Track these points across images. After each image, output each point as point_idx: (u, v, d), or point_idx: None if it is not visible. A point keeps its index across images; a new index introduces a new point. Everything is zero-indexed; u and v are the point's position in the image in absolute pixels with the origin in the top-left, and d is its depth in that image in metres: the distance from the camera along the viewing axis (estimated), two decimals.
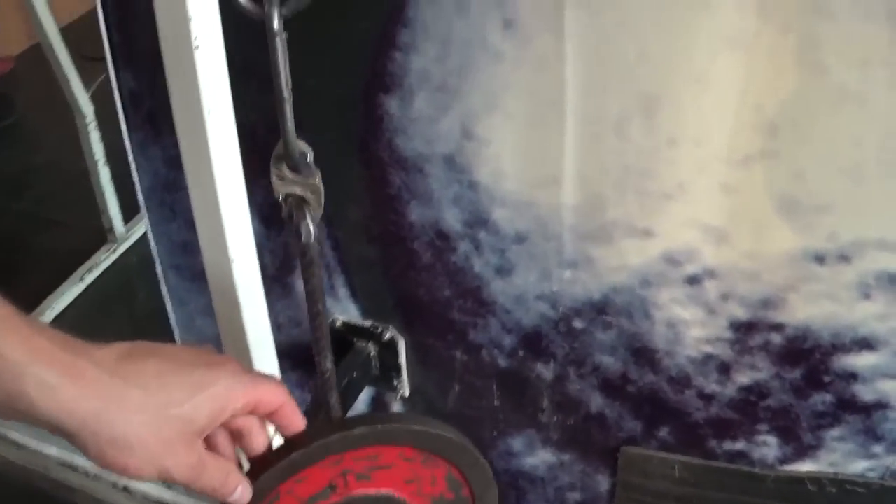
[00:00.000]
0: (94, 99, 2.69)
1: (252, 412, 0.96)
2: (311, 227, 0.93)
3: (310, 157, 0.91)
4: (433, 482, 1.07)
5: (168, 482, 1.02)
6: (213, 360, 0.94)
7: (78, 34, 2.83)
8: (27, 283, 2.78)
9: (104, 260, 2.78)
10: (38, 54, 2.77)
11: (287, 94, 0.88)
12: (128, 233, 2.86)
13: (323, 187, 0.92)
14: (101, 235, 2.85)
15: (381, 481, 1.05)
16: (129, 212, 2.88)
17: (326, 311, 1.02)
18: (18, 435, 2.28)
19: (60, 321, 2.57)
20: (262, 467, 1.00)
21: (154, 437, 0.86)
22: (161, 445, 0.86)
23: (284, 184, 0.93)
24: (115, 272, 2.79)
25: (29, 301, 2.61)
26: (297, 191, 0.92)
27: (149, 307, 2.57)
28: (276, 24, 0.85)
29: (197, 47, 1.00)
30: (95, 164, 2.69)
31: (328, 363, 1.03)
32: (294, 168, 0.92)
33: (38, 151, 3.64)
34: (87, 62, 2.75)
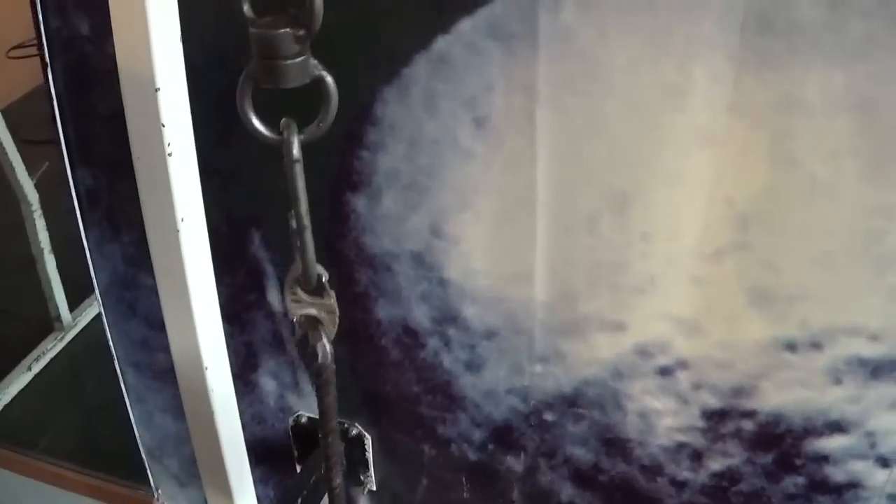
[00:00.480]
0: (38, 186, 2.65)
1: None
2: (328, 348, 0.92)
3: (325, 278, 0.90)
4: None
5: None
6: None
7: (15, 117, 2.80)
8: None
9: (51, 348, 2.72)
10: None
11: (306, 221, 0.86)
12: (74, 320, 2.80)
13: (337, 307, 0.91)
14: (47, 324, 2.80)
15: None
16: (75, 299, 2.84)
17: (339, 434, 1.01)
18: None
19: (9, 411, 2.51)
20: None
21: None
22: None
23: (300, 305, 0.91)
24: (63, 360, 2.74)
25: None
26: (313, 312, 0.91)
27: (99, 396, 2.53)
28: (294, 151, 0.83)
29: (170, 154, 0.99)
30: (41, 252, 2.64)
31: (338, 479, 1.02)
32: (311, 291, 0.90)
33: None
34: (27, 145, 2.71)
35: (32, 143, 2.80)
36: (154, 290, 1.37)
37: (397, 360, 1.38)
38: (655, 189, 1.10)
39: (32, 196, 2.56)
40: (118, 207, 1.41)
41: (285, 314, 1.38)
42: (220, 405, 1.17)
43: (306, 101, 0.84)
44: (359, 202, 1.24)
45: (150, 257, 1.24)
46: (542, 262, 1.20)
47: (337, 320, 0.93)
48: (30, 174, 2.61)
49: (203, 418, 1.18)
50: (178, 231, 1.01)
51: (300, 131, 0.84)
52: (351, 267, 1.30)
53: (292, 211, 0.87)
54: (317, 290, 0.91)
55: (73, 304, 2.83)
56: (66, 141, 1.40)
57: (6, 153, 2.51)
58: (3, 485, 2.14)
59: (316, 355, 0.93)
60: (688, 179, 1.08)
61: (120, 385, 1.69)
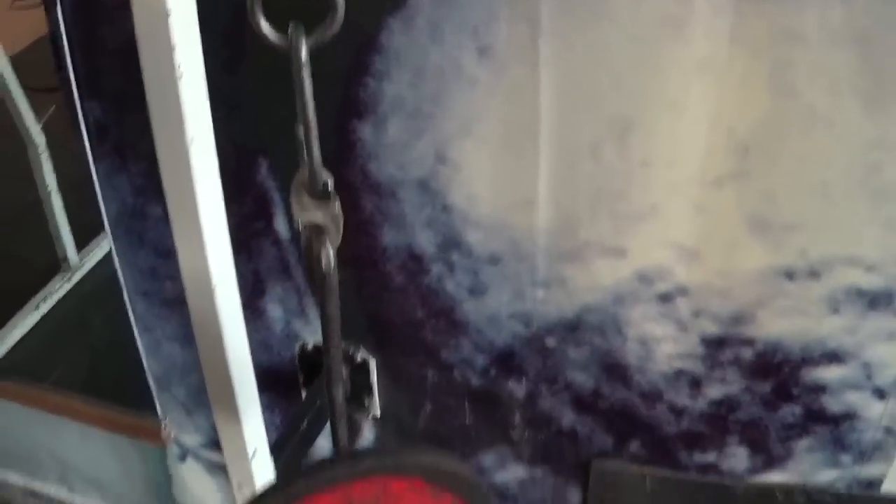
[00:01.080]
0: (45, 131, 2.67)
1: None
2: (332, 256, 0.94)
3: (331, 185, 0.93)
4: None
5: None
6: None
7: (20, 66, 2.81)
8: None
9: (59, 288, 2.76)
10: None
11: (313, 123, 0.89)
12: (81, 261, 2.84)
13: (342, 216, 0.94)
14: (54, 265, 2.83)
15: None
16: (82, 241, 2.87)
17: (341, 343, 1.03)
18: None
19: (17, 351, 2.55)
20: (271, 492, 1.01)
21: None
22: None
23: (305, 212, 0.94)
24: (71, 300, 2.77)
25: None
26: (318, 219, 0.94)
27: (106, 335, 2.56)
28: (303, 55, 0.85)
29: (180, 76, 1.01)
30: (48, 193, 2.66)
31: (339, 395, 1.04)
32: (316, 196, 0.93)
33: None
34: (32, 93, 2.73)
35: (37, 90, 2.80)
36: (162, 219, 1.40)
37: (402, 286, 1.40)
38: (657, 117, 1.13)
39: (39, 139, 2.59)
40: (126, 139, 1.44)
41: (292, 241, 1.41)
42: (229, 325, 1.19)
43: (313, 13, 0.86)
44: (365, 130, 1.26)
45: (158, 187, 1.26)
46: (544, 188, 1.22)
47: (341, 228, 0.95)
48: (36, 119, 2.64)
49: (212, 339, 1.20)
50: (187, 151, 1.03)
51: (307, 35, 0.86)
52: (357, 194, 1.32)
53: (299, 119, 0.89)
54: (322, 196, 0.93)
55: (81, 246, 2.86)
56: (75, 76, 1.42)
57: (13, 97, 2.53)
58: (14, 417, 2.17)
59: (320, 262, 0.95)
60: (688, 108, 1.11)
61: (127, 321, 1.73)
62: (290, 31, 0.86)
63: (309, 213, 0.93)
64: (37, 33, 4.19)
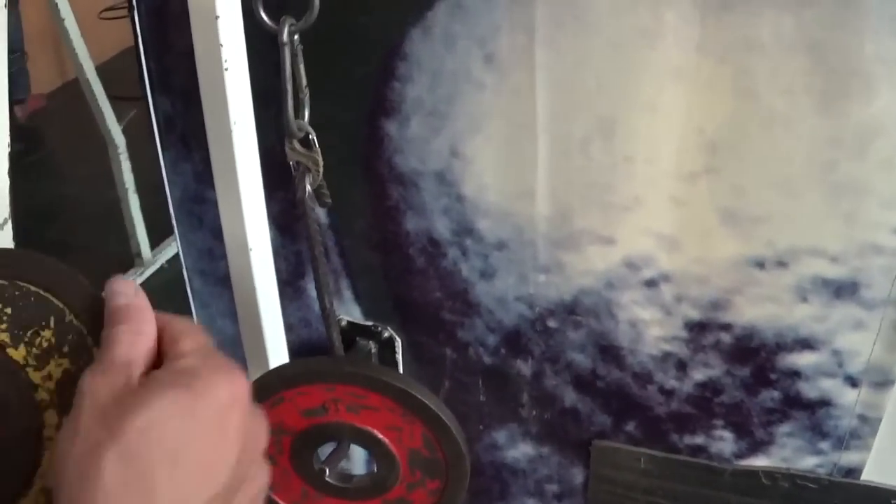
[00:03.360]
0: (126, 134, 2.82)
1: None
2: (308, 188, 1.22)
3: (312, 136, 1.18)
4: (412, 436, 1.22)
5: None
6: None
7: (106, 75, 2.95)
8: None
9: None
10: (67, 93, 2.90)
11: (290, 88, 1.17)
12: (154, 258, 2.97)
13: (322, 160, 1.21)
14: (128, 261, 2.95)
15: (367, 419, 1.20)
16: (155, 241, 2.99)
17: (325, 258, 1.20)
18: None
19: None
20: (270, 374, 1.19)
21: None
22: None
23: (294, 154, 1.20)
24: None
25: None
26: (303, 160, 1.18)
27: None
28: (284, 37, 1.15)
29: (227, 69, 1.20)
30: (126, 191, 2.81)
31: (327, 302, 1.23)
32: (303, 144, 1.20)
33: (67, 183, 3.78)
34: (116, 101, 2.87)
35: (121, 98, 2.96)
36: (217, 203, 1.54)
37: (423, 268, 1.51)
38: (636, 118, 1.24)
39: (119, 140, 2.75)
40: (190, 131, 1.59)
41: (329, 227, 1.55)
42: (264, 293, 1.35)
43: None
44: (391, 127, 1.39)
45: None
46: (542, 180, 1.34)
47: (321, 170, 1.21)
48: (118, 123, 2.80)
49: (247, 289, 1.36)
50: (231, 132, 1.21)
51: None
52: (385, 184, 1.45)
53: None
54: (305, 144, 1.19)
55: (154, 245, 3.01)
56: (148, 76, 1.58)
57: (97, 100, 2.70)
58: None
59: (298, 191, 1.23)
60: (663, 110, 1.22)
61: (190, 312, 1.87)
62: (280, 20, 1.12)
63: (297, 155, 1.16)
64: (122, 44, 4.38)
